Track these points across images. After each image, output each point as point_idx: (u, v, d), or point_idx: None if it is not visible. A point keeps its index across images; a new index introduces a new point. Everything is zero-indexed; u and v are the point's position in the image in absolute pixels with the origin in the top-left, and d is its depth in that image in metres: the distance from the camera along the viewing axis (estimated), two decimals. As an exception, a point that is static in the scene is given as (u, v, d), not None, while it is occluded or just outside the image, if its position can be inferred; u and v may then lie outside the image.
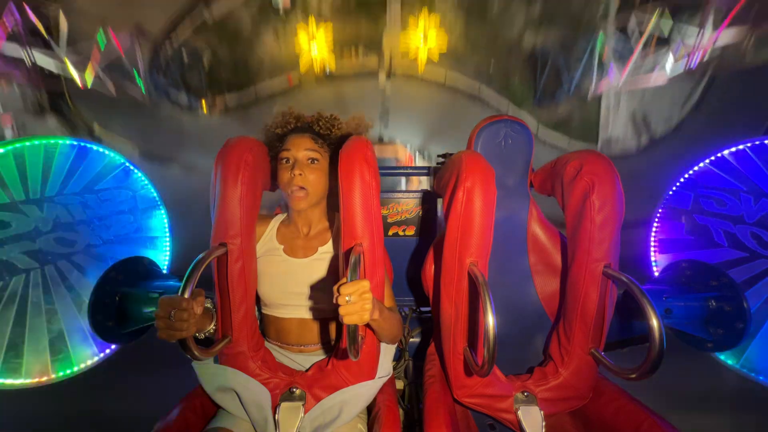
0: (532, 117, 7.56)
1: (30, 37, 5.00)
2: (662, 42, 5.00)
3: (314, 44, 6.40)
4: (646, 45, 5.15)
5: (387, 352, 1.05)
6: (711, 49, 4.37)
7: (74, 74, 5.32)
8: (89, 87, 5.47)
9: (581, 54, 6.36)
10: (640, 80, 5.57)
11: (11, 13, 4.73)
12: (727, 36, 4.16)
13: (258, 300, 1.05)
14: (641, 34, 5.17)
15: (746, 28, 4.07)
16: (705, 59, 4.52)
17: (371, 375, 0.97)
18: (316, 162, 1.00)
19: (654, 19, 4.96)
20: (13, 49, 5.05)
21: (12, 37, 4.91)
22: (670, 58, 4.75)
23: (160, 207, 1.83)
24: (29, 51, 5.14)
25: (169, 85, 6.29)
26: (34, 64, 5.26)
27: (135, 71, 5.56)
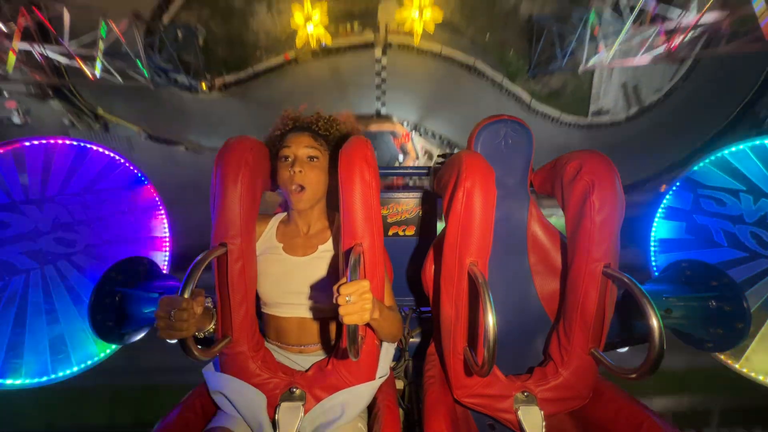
0: (525, 89, 7.90)
1: (38, 33, 5.56)
2: (647, 19, 5.49)
3: (310, 21, 6.43)
4: (636, 22, 5.55)
5: (387, 352, 1.05)
6: (691, 32, 4.85)
7: (82, 65, 5.84)
8: (98, 77, 5.89)
9: (575, 26, 6.75)
10: (626, 60, 6.09)
11: (23, 15, 5.37)
12: (708, 18, 4.62)
13: (258, 300, 1.05)
14: (631, 11, 5.55)
15: (725, 13, 4.57)
16: (686, 40, 4.99)
17: (371, 374, 0.97)
18: (315, 160, 1.00)
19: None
20: (23, 45, 5.64)
21: (25, 35, 5.51)
22: (655, 41, 5.21)
23: (160, 207, 1.82)
24: (40, 45, 5.68)
25: (168, 65, 6.60)
26: (44, 56, 5.79)
27: (138, 61, 5.96)
